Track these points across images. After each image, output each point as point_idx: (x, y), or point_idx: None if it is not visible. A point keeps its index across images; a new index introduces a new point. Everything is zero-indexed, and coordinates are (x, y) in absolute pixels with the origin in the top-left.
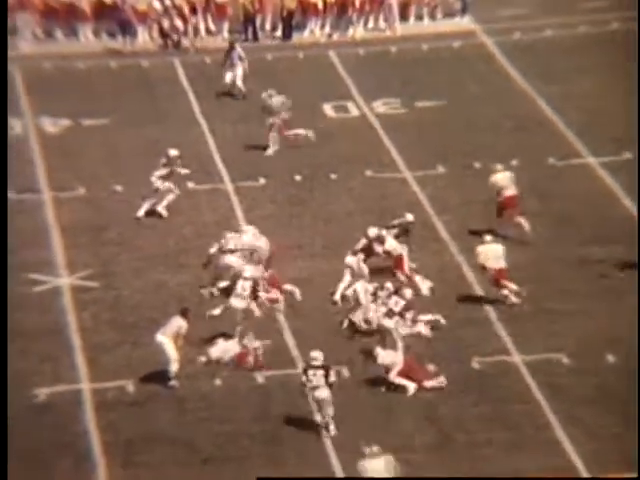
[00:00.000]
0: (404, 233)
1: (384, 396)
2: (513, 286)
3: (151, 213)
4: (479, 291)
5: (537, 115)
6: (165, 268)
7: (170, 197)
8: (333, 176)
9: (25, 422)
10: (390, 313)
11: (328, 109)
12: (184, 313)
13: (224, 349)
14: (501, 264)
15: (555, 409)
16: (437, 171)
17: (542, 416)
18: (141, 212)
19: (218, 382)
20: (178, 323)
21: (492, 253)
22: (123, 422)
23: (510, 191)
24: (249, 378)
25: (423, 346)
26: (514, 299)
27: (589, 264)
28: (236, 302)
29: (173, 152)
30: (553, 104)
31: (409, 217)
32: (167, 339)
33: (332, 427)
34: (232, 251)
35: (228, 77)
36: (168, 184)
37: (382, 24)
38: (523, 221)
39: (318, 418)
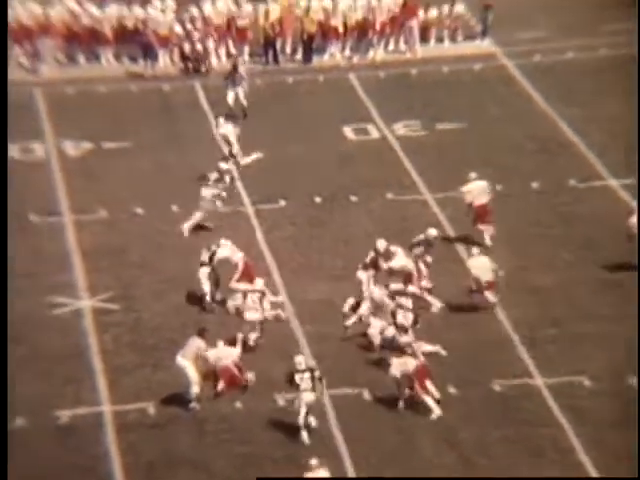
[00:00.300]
0: (428, 248)
1: (404, 418)
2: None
3: (198, 227)
4: (500, 313)
5: (558, 137)
6: (185, 290)
7: (198, 216)
8: (353, 198)
9: (47, 444)
10: (401, 329)
11: (348, 132)
12: (201, 333)
13: (220, 354)
14: (489, 277)
15: (578, 432)
16: (457, 193)
17: (565, 439)
18: (187, 226)
19: (238, 404)
20: (196, 344)
21: (481, 267)
22: (144, 444)
23: (481, 200)
24: (269, 400)
25: (444, 368)
26: (494, 299)
27: (611, 286)
28: (251, 315)
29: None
30: (574, 126)
31: (433, 232)
32: (187, 362)
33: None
34: (205, 264)
35: (230, 97)
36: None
37: (402, 46)
38: (485, 229)
39: (300, 421)
